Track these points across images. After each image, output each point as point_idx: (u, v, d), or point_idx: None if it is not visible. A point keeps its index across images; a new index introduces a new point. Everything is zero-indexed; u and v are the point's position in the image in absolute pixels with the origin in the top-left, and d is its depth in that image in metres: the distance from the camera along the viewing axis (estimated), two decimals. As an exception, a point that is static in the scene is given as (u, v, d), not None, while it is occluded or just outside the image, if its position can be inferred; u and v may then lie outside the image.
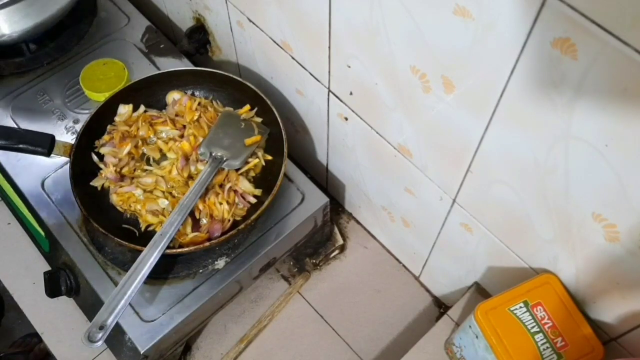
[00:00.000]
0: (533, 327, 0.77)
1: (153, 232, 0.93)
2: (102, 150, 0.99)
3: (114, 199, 0.95)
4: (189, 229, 0.91)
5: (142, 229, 0.94)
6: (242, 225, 0.89)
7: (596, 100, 0.55)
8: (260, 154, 1.00)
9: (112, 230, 0.89)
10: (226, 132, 0.99)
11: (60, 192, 1.00)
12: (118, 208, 0.95)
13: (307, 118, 1.12)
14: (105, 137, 1.01)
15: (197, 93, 1.08)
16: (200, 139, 0.99)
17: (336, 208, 1.30)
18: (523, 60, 0.58)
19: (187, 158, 0.98)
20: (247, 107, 1.04)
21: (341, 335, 1.17)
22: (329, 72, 0.92)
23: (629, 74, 0.50)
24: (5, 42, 1.08)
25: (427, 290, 1.21)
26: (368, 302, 1.20)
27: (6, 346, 1.53)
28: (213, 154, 0.95)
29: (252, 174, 0.99)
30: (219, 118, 1.01)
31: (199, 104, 1.04)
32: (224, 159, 0.95)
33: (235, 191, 0.95)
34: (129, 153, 0.98)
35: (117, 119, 1.02)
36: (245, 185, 0.96)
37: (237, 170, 0.97)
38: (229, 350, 1.15)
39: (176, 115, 1.03)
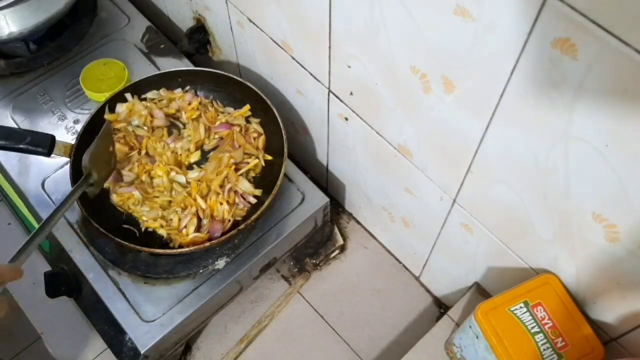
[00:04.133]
0: (533, 327, 0.77)
1: (153, 232, 0.93)
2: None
3: (114, 199, 0.95)
4: (191, 229, 0.91)
5: (142, 229, 0.94)
6: (243, 226, 0.89)
7: (596, 100, 0.55)
8: (260, 154, 1.00)
9: (112, 230, 0.89)
10: (103, 151, 0.90)
11: (61, 192, 1.00)
12: (118, 208, 0.95)
13: (307, 118, 1.12)
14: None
15: (197, 93, 1.08)
16: (197, 138, 0.99)
17: (336, 208, 1.30)
18: (523, 61, 0.58)
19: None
20: (247, 107, 1.04)
21: (341, 335, 1.17)
22: (329, 72, 0.92)
23: (630, 74, 0.50)
24: (6, 42, 1.08)
25: (427, 291, 1.21)
26: (368, 302, 1.20)
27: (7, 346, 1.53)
28: (92, 177, 0.86)
29: (252, 174, 0.99)
30: (104, 130, 0.91)
31: (200, 103, 1.04)
32: (92, 184, 0.86)
33: (236, 192, 0.95)
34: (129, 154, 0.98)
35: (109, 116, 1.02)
36: (245, 186, 0.96)
37: (236, 170, 0.97)
38: (229, 351, 1.15)
39: (177, 111, 1.04)
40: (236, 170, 0.97)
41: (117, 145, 0.99)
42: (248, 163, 0.98)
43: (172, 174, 0.97)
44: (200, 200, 0.93)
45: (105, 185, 0.96)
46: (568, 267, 0.76)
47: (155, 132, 1.01)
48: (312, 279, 1.23)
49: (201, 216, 0.93)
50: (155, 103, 1.04)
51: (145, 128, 1.01)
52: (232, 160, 0.98)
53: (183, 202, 0.93)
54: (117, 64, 1.12)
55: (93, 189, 0.87)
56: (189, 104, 1.04)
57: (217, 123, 1.02)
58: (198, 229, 0.92)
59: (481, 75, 0.65)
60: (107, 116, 1.01)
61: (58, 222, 0.96)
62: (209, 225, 0.92)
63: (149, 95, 1.05)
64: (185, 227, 0.91)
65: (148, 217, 0.93)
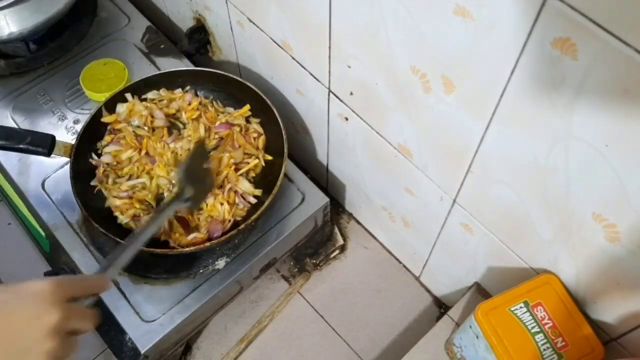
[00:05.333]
0: (533, 327, 0.77)
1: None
2: (105, 151, 0.99)
3: (109, 200, 0.95)
4: (181, 230, 0.91)
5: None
6: (243, 226, 0.89)
7: (596, 100, 0.55)
8: (260, 154, 1.00)
9: (112, 230, 0.89)
10: (199, 169, 0.87)
11: (61, 192, 1.00)
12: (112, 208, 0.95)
13: (308, 118, 1.12)
14: (107, 137, 1.01)
15: (197, 93, 1.08)
16: (197, 139, 0.99)
17: (336, 208, 1.30)
18: (523, 60, 0.58)
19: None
20: (247, 107, 1.04)
21: (341, 335, 1.17)
22: (329, 72, 0.92)
23: (630, 74, 0.50)
24: (6, 42, 1.08)
25: (428, 291, 1.21)
26: (368, 302, 1.20)
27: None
28: (185, 193, 0.82)
29: (252, 174, 0.99)
30: (195, 149, 0.91)
31: (200, 103, 1.04)
32: (188, 200, 0.82)
33: (236, 191, 0.95)
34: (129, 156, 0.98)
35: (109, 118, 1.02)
36: (245, 186, 0.96)
37: (236, 170, 0.97)
38: (229, 351, 1.15)
39: (177, 111, 1.04)
40: (236, 170, 0.97)
41: (117, 147, 0.99)
42: (248, 163, 0.98)
43: (172, 174, 0.96)
44: None
45: (99, 187, 0.96)
46: (568, 267, 0.76)
47: (156, 132, 1.01)
48: (312, 279, 1.23)
49: (188, 219, 0.92)
50: (155, 103, 1.04)
51: (146, 128, 1.01)
52: (232, 160, 0.97)
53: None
54: (117, 64, 1.12)
55: (189, 205, 0.82)
56: (189, 104, 1.04)
57: (217, 123, 1.02)
58: (187, 231, 0.92)
59: (481, 75, 0.65)
60: (106, 118, 1.01)
61: (58, 222, 0.97)
62: (209, 225, 0.92)
63: (149, 95, 1.05)
64: (172, 229, 0.91)
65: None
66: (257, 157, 0.99)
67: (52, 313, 0.49)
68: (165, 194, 0.95)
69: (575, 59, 0.53)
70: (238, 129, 1.01)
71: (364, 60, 0.82)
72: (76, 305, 0.53)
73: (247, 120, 1.04)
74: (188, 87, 1.07)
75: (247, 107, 1.04)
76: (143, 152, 0.99)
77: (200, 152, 0.90)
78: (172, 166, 0.97)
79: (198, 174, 0.86)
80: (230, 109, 1.05)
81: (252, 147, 1.00)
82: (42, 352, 0.49)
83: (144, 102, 1.04)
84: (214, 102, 1.06)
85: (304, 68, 0.98)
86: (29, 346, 0.48)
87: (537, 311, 0.78)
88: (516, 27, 0.56)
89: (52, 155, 0.91)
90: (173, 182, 0.94)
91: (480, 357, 0.82)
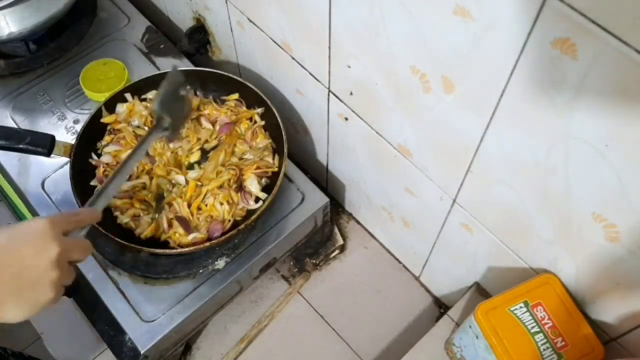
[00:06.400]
0: (533, 327, 0.77)
1: (152, 232, 0.93)
2: (105, 151, 0.99)
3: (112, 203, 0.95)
4: (181, 230, 0.91)
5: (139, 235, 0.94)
6: (242, 226, 0.89)
7: (596, 100, 0.55)
8: (276, 161, 0.99)
9: (112, 230, 0.89)
10: (174, 97, 0.84)
11: (60, 192, 1.00)
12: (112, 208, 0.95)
13: (307, 118, 1.12)
14: (107, 137, 1.01)
15: (197, 93, 1.07)
16: (196, 139, 1.00)
17: (336, 208, 1.30)
18: (523, 60, 0.58)
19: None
20: (236, 95, 1.05)
21: (341, 335, 1.17)
22: (329, 72, 0.92)
23: (629, 74, 0.50)
24: (6, 42, 1.08)
25: (427, 291, 1.21)
26: (368, 302, 1.20)
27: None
28: (163, 121, 0.80)
29: (265, 181, 0.98)
30: (170, 76, 0.84)
31: (200, 103, 1.04)
32: (167, 129, 0.81)
33: (242, 189, 0.95)
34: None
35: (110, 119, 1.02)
36: (254, 187, 0.95)
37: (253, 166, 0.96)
38: (229, 350, 1.15)
39: None
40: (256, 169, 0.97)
41: (116, 147, 0.99)
42: (268, 167, 0.98)
43: (172, 174, 0.96)
44: (179, 202, 0.93)
45: (98, 187, 0.96)
46: (568, 267, 0.76)
47: (155, 132, 1.01)
48: (312, 279, 1.23)
49: (188, 219, 0.93)
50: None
51: (146, 128, 1.01)
52: (244, 155, 0.98)
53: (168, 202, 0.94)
54: (117, 64, 1.12)
55: (169, 134, 0.82)
56: (189, 104, 1.05)
57: (218, 122, 1.02)
58: (188, 230, 0.92)
59: (481, 75, 0.65)
60: (106, 118, 1.01)
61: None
62: (209, 225, 0.92)
63: (149, 95, 1.05)
64: (172, 229, 0.91)
65: (141, 229, 0.92)
66: (266, 160, 0.99)
67: (54, 246, 0.55)
68: (165, 194, 0.95)
69: (575, 59, 0.53)
70: (246, 125, 1.01)
71: (364, 60, 0.82)
72: (72, 237, 0.59)
73: (251, 119, 1.04)
74: (187, 87, 1.07)
75: (236, 95, 1.04)
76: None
77: (175, 80, 0.86)
78: (172, 166, 0.97)
79: (174, 101, 0.84)
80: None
81: (256, 150, 1.00)
82: (50, 281, 0.55)
83: (143, 102, 1.04)
84: (214, 102, 1.06)
85: (304, 68, 0.98)
86: (38, 276, 0.54)
87: (537, 311, 0.78)
88: (516, 27, 0.56)
89: (52, 155, 0.91)
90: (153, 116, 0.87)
91: (480, 357, 0.82)
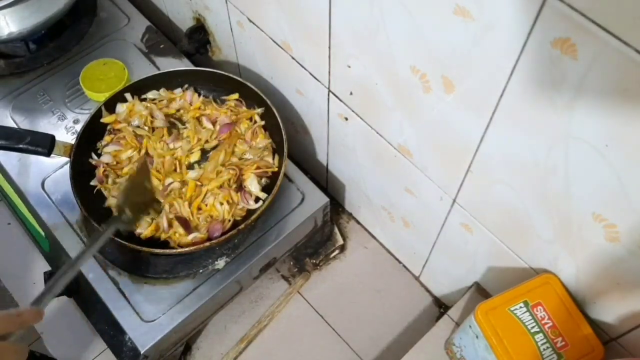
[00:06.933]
0: (533, 327, 0.77)
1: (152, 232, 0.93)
2: (105, 151, 0.99)
3: (109, 200, 0.95)
4: (181, 230, 0.91)
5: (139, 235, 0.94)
6: (242, 226, 0.89)
7: (596, 100, 0.55)
8: (276, 161, 0.99)
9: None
10: (138, 190, 0.83)
11: (60, 192, 1.00)
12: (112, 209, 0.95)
13: (307, 118, 1.12)
14: (107, 137, 1.01)
15: (198, 93, 1.08)
16: (196, 139, 1.00)
17: (336, 208, 1.30)
18: (523, 60, 0.58)
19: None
20: (236, 95, 1.05)
21: (341, 335, 1.17)
22: (329, 72, 0.92)
23: (629, 74, 0.50)
24: (6, 42, 1.08)
25: (427, 290, 1.21)
26: (368, 302, 1.20)
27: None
28: (124, 215, 0.79)
29: (265, 181, 0.98)
30: (138, 167, 0.88)
31: (200, 102, 1.04)
32: (127, 222, 0.80)
33: (242, 189, 0.95)
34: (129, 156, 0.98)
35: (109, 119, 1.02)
36: (254, 187, 0.95)
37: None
38: (229, 350, 1.15)
39: (177, 111, 1.04)
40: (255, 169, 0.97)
41: (116, 147, 0.99)
42: (267, 167, 0.98)
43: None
44: (179, 202, 0.93)
45: (98, 187, 0.96)
46: (568, 267, 0.76)
47: (156, 132, 1.01)
48: (312, 279, 1.23)
49: (189, 219, 0.92)
50: (155, 103, 1.04)
51: (146, 128, 1.01)
52: (244, 155, 0.98)
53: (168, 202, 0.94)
54: (117, 64, 1.12)
55: (127, 227, 0.81)
56: (190, 104, 1.05)
57: (218, 122, 1.02)
58: (188, 230, 0.92)
59: (481, 75, 0.65)
60: (106, 118, 1.01)
61: (58, 222, 0.97)
62: (209, 225, 0.92)
63: (149, 95, 1.05)
64: (172, 229, 0.91)
65: (141, 229, 0.92)
66: (266, 160, 0.99)
67: None
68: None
69: (575, 59, 0.53)
70: (246, 125, 1.02)
71: (364, 60, 0.82)
72: (9, 340, 0.55)
73: (251, 119, 1.04)
74: (186, 87, 1.07)
75: (236, 95, 1.04)
76: (143, 152, 0.99)
77: (142, 170, 0.87)
78: (169, 173, 0.96)
79: (137, 194, 0.83)
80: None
81: (255, 150, 1.00)
82: None
83: (143, 102, 1.04)
84: (214, 102, 1.06)
85: (304, 68, 0.98)
86: None
87: (537, 311, 0.78)
88: (516, 27, 0.56)
89: (52, 155, 0.91)
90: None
91: (480, 357, 0.82)
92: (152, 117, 1.02)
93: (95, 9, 1.23)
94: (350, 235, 1.28)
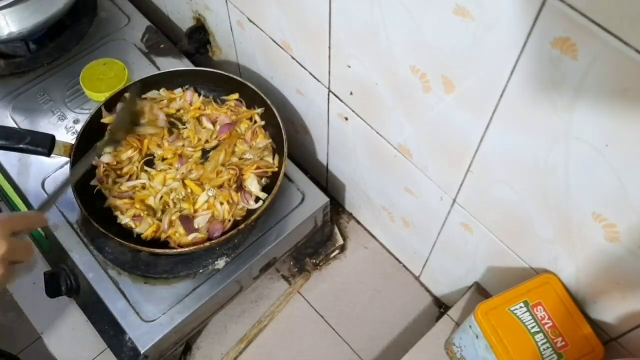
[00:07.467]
0: (533, 327, 0.77)
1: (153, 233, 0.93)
2: (105, 151, 0.99)
3: (109, 200, 0.95)
4: (181, 230, 0.91)
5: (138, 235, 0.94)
6: (242, 225, 0.89)
7: (596, 100, 0.55)
8: (276, 161, 0.99)
9: (112, 230, 0.89)
10: (127, 118, 0.96)
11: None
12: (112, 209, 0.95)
13: (307, 118, 1.12)
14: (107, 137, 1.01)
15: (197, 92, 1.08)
16: (196, 139, 1.00)
17: (336, 208, 1.30)
18: (523, 60, 0.58)
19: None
20: (236, 95, 1.05)
21: (341, 335, 1.17)
22: (329, 72, 0.92)
23: (629, 74, 0.50)
24: (6, 42, 1.08)
25: (427, 290, 1.21)
26: (368, 302, 1.20)
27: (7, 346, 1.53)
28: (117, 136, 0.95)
29: (265, 180, 0.98)
30: (126, 101, 0.99)
31: (200, 102, 1.04)
32: (117, 141, 0.97)
33: (242, 189, 0.95)
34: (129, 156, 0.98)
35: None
36: (254, 186, 0.95)
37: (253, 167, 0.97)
38: (229, 350, 1.15)
39: (177, 111, 1.04)
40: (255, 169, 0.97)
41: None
42: (267, 167, 0.98)
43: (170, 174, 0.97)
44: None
45: (98, 187, 0.96)
46: (568, 267, 0.76)
47: (156, 132, 1.01)
48: (312, 279, 1.23)
49: (190, 216, 0.92)
50: (155, 103, 1.04)
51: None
52: (244, 155, 0.98)
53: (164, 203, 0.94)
54: (117, 63, 1.12)
55: (116, 145, 0.94)
56: (190, 104, 1.05)
57: (218, 122, 1.02)
58: (187, 230, 0.92)
59: (481, 75, 0.65)
60: (106, 118, 1.01)
61: (58, 222, 0.97)
62: (209, 225, 0.92)
63: (149, 95, 1.05)
64: (172, 229, 0.91)
65: (142, 229, 0.92)
66: (266, 160, 0.99)
67: (2, 245, 0.57)
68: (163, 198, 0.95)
69: (575, 59, 0.53)
70: (246, 125, 1.01)
71: (364, 60, 0.82)
72: (18, 238, 0.61)
73: (251, 119, 1.04)
74: (186, 87, 1.07)
75: (236, 95, 1.04)
76: (143, 152, 0.99)
77: (128, 105, 0.95)
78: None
79: (126, 122, 0.94)
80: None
81: (255, 150, 1.00)
82: None
83: (144, 102, 1.04)
84: (214, 102, 1.06)
85: (304, 68, 0.98)
86: None
87: (537, 311, 0.78)
88: (516, 27, 0.56)
89: (52, 155, 0.91)
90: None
91: (480, 357, 0.82)
92: (153, 116, 1.02)
93: (95, 9, 1.23)
94: (350, 235, 1.28)
